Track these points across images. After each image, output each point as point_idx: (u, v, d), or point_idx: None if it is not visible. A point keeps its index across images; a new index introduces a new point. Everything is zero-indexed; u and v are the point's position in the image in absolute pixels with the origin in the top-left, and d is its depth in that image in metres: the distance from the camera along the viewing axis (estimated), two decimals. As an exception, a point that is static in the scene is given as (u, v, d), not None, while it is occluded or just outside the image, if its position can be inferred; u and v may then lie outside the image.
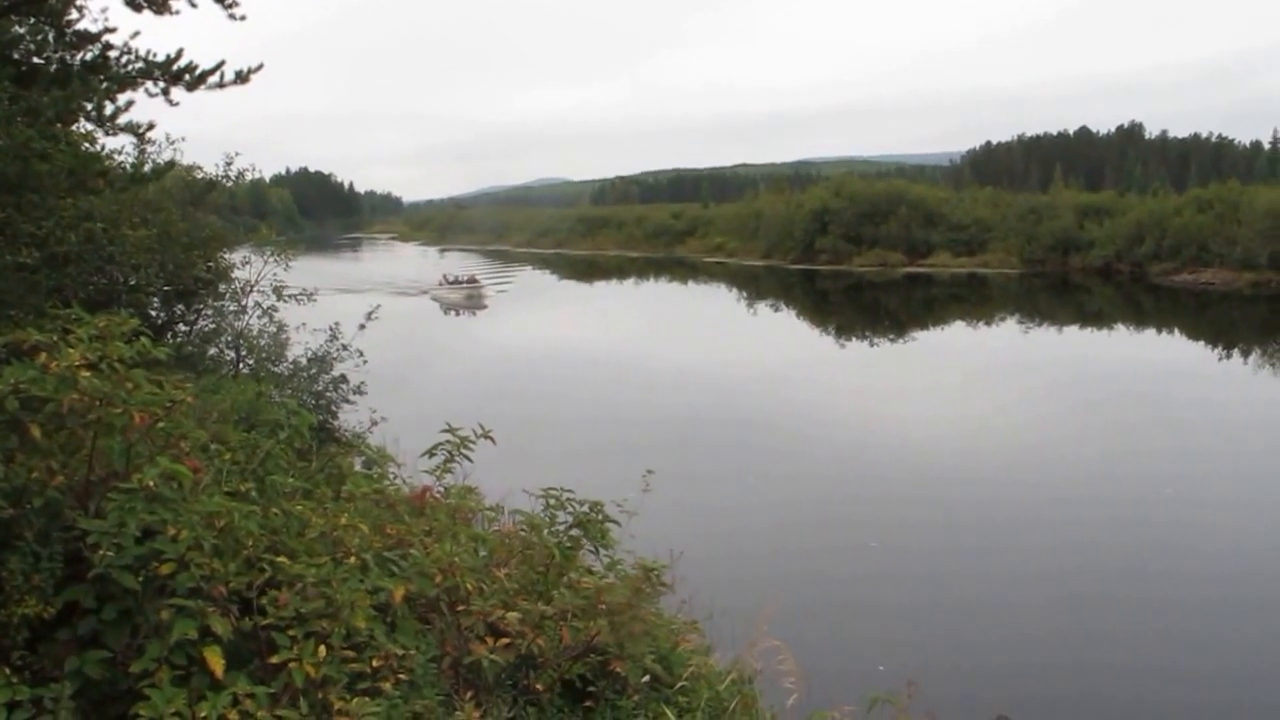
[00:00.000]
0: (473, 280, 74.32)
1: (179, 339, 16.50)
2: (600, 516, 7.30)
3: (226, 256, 18.14)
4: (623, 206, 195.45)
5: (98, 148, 12.89)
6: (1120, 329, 56.30)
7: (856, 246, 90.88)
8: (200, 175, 18.64)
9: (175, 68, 12.29)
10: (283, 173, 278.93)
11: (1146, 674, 14.12)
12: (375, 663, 5.25)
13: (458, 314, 67.39)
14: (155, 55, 12.40)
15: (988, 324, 58.62)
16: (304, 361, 16.57)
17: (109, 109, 12.48)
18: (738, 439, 28.36)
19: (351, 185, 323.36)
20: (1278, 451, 25.79)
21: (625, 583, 6.83)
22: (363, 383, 16.48)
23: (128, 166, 13.89)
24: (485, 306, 69.67)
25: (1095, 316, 62.02)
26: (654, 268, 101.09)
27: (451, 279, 75.41)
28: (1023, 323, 58.30)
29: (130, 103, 12.63)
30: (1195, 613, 15.82)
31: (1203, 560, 18.08)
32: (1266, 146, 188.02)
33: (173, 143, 17.32)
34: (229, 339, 17.10)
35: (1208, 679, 13.89)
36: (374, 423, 14.57)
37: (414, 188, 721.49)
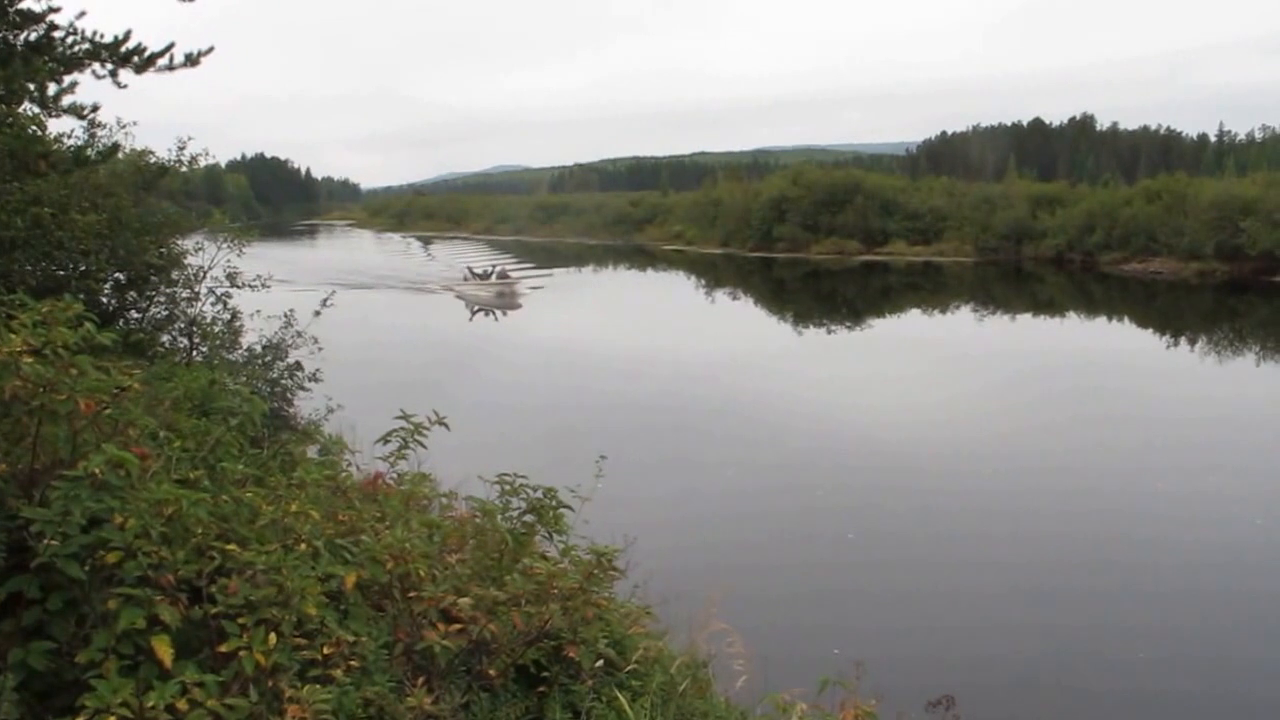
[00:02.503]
0: (504, 275, 66.16)
1: (131, 326, 16.31)
2: (554, 502, 7.27)
3: (180, 243, 17.91)
4: (581, 194, 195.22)
5: (47, 132, 12.72)
6: (1072, 317, 56.89)
7: (814, 235, 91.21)
8: (153, 160, 18.39)
9: (123, 49, 12.11)
10: (238, 158, 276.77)
11: (1093, 661, 14.24)
12: (326, 650, 5.22)
13: (487, 313, 58.65)
14: (102, 36, 12.21)
15: (943, 312, 59.00)
16: (259, 349, 16.42)
17: (52, 90, 12.27)
18: (693, 426, 28.39)
19: (308, 171, 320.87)
20: (1230, 442, 26.01)
21: (578, 568, 6.83)
22: (318, 370, 16.36)
23: (71, 150, 13.69)
24: (519, 305, 60.84)
25: (1048, 305, 62.70)
26: (612, 255, 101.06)
27: (479, 273, 67.46)
28: (977, 311, 58.75)
29: (75, 84, 12.43)
30: (1147, 603, 15.98)
31: (1156, 550, 18.23)
32: (1213, 139, 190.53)
33: (124, 126, 17.13)
34: (182, 326, 16.93)
35: (1156, 667, 14.04)
36: (330, 410, 14.46)
37: (372, 174, 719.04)
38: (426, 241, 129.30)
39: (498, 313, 58.26)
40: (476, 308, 59.98)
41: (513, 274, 67.10)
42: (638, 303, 65.75)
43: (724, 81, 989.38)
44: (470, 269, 69.60)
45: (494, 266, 69.00)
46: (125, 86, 12.37)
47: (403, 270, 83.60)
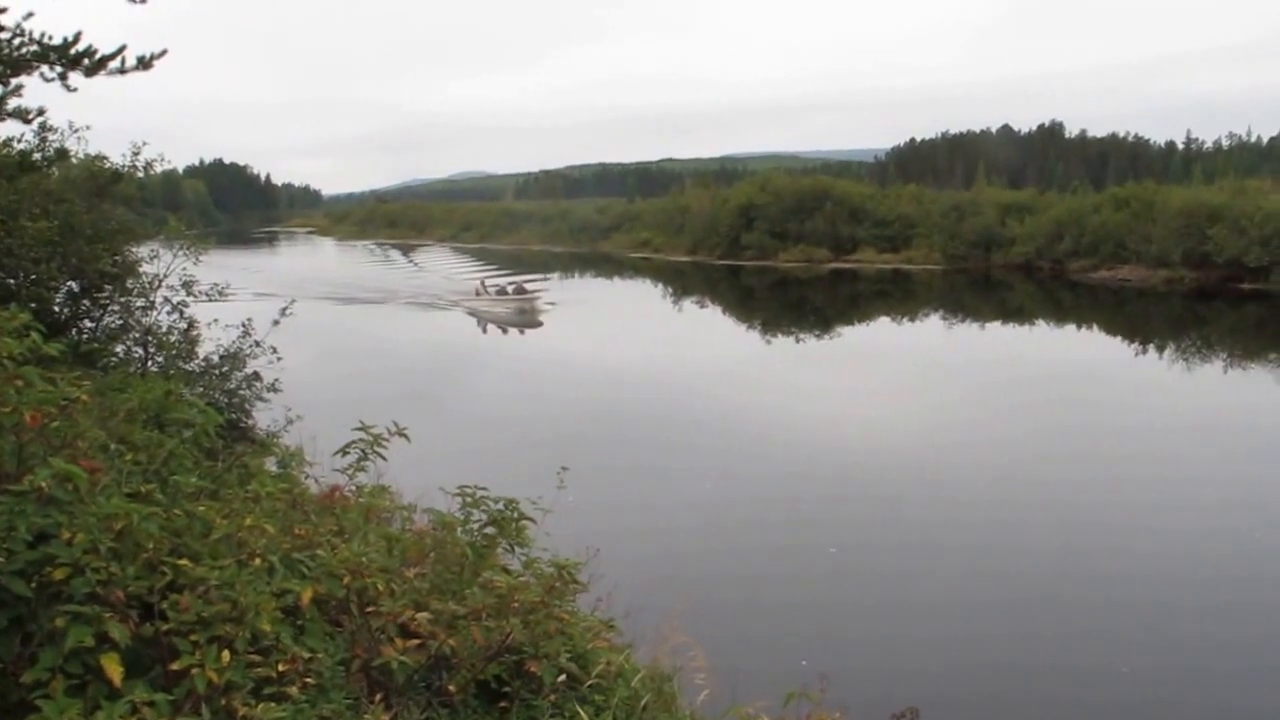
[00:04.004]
0: (521, 290, 59.58)
1: (84, 335, 16.09)
2: (516, 514, 7.16)
3: (135, 250, 17.66)
4: (547, 201, 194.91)
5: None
6: (1041, 325, 57.19)
7: (782, 242, 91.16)
8: (107, 165, 18.09)
9: (73, 52, 11.92)
10: (197, 164, 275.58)
11: (1059, 673, 14.26)
12: (282, 667, 5.12)
13: (505, 331, 54.09)
14: (50, 38, 12.00)
15: (913, 320, 59.21)
16: (216, 359, 16.23)
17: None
18: (659, 437, 28.35)
19: (268, 177, 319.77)
20: (1199, 456, 26.09)
21: (540, 581, 6.75)
22: (276, 380, 16.18)
23: (17, 155, 13.47)
24: (540, 324, 55.55)
25: (1017, 312, 63.00)
26: (579, 263, 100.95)
27: (495, 289, 61.47)
28: (947, 319, 58.91)
29: (20, 87, 12.22)
30: (1117, 614, 15.98)
31: (1126, 561, 18.24)
32: (1180, 147, 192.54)
33: (76, 131, 16.90)
34: (137, 335, 16.67)
35: (1125, 678, 14.06)
36: (289, 421, 14.30)
37: (334, 180, 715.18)
38: (406, 250, 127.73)
39: (513, 331, 53.96)
40: (489, 325, 56.11)
41: (530, 288, 61.26)
42: (606, 313, 65.58)
43: (692, 87, 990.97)
44: (483, 283, 64.40)
45: (511, 284, 62.59)
46: (75, 90, 12.20)
47: (392, 282, 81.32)
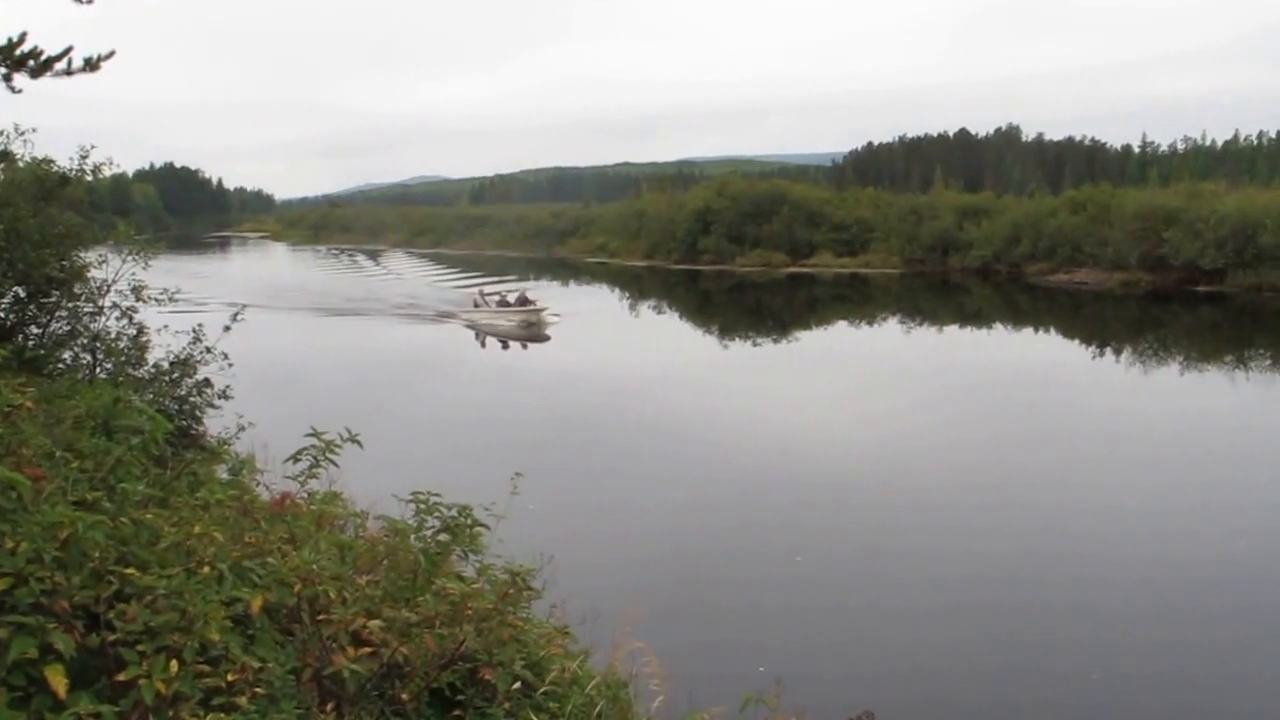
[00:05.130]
0: (524, 300, 54.82)
1: (30, 341, 15.85)
2: (469, 521, 7.09)
3: (83, 255, 17.40)
4: (503, 205, 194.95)
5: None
6: (999, 328, 57.64)
7: (739, 247, 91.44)
8: (54, 168, 17.78)
9: (18, 53, 11.74)
10: (147, 168, 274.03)
11: (1014, 676, 14.33)
12: (231, 677, 5.01)
13: (505, 346, 49.90)
14: (-8, 39, 11.83)
15: (870, 324, 59.48)
16: (166, 365, 16.02)
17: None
18: (618, 442, 28.37)
19: (220, 181, 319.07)
20: (1154, 461, 26.29)
21: (494, 588, 6.69)
22: (228, 386, 16.00)
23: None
24: (547, 337, 51.89)
25: (975, 316, 63.39)
26: (535, 268, 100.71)
27: (495, 299, 56.87)
28: (905, 323, 59.18)
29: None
30: (1072, 618, 16.05)
31: (1078, 566, 18.30)
32: (1137, 150, 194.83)
33: (22, 133, 16.65)
34: (85, 341, 16.42)
35: (1080, 681, 14.13)
36: (241, 428, 14.14)
37: (287, 184, 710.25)
38: (375, 255, 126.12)
39: (516, 345, 49.75)
40: (488, 338, 51.94)
41: (533, 297, 56.80)
42: (564, 318, 65.40)
43: (648, 90, 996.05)
44: (482, 293, 59.05)
45: (512, 293, 57.63)
46: (20, 91, 12.02)
47: (375, 290, 77.29)
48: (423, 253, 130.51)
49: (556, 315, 55.99)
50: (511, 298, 55.73)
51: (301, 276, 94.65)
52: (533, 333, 51.52)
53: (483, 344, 51.26)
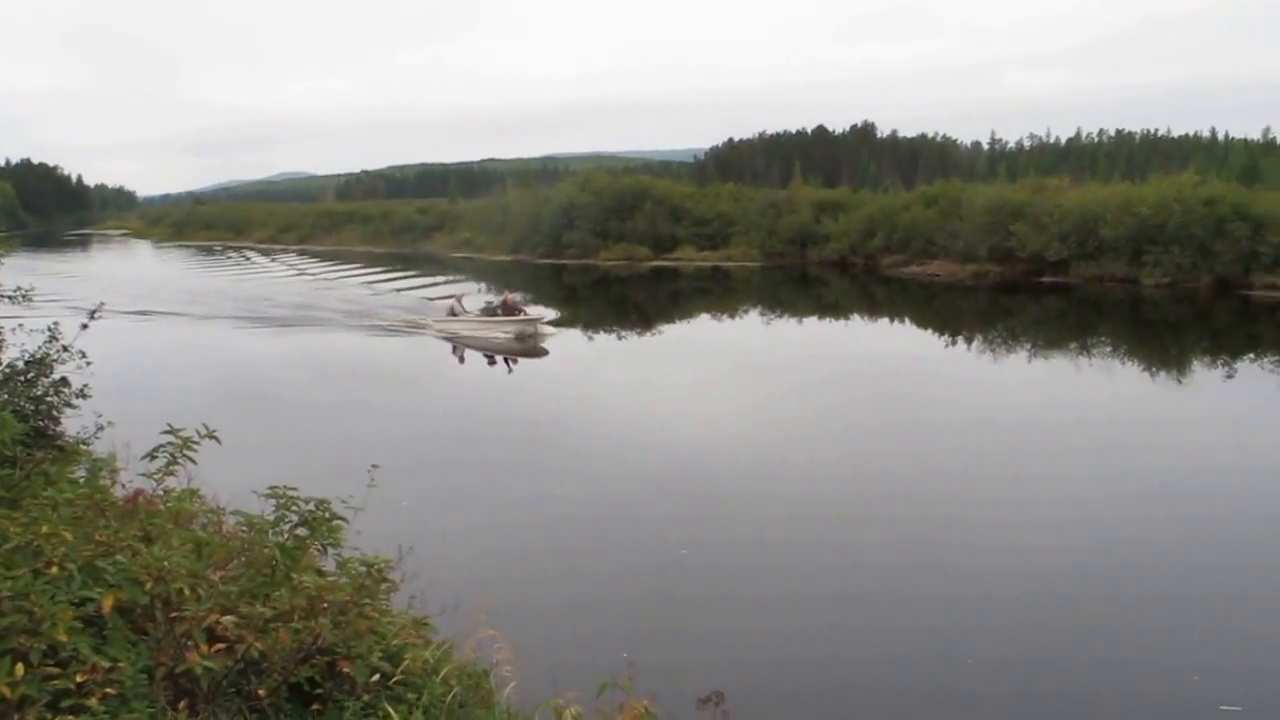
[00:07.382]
0: (514, 308, 47.94)
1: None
2: (327, 514, 7.06)
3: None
4: (369, 201, 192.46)
5: None
6: (856, 319, 58.82)
7: (603, 241, 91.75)
8: None
9: None
10: (3, 165, 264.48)
11: (865, 660, 14.65)
12: (80, 678, 4.99)
13: (491, 361, 42.72)
14: None
15: (732, 316, 60.10)
16: (20, 364, 15.55)
17: None
18: (478, 434, 28.33)
19: (80, 178, 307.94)
20: (1009, 450, 26.94)
21: (350, 581, 6.70)
22: (86, 385, 15.61)
23: None
24: (545, 351, 44.84)
25: (833, 307, 64.64)
26: (401, 263, 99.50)
27: (480, 307, 49.90)
28: (765, 315, 59.97)
29: None
30: (942, 606, 16.32)
31: (948, 553, 18.65)
32: (986, 147, 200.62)
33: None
34: (-68, 343, 15.86)
35: (924, 663, 14.51)
36: (100, 428, 13.81)
37: (149, 182, 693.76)
38: (268, 253, 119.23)
39: (509, 360, 42.13)
40: (467, 352, 44.65)
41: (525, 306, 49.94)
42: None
43: (513, 87, 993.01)
44: (460, 300, 50.70)
45: (498, 300, 50.22)
46: None
47: (299, 293, 69.09)
48: (286, 249, 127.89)
49: (554, 326, 50.47)
50: (498, 306, 48.77)
51: (197, 279, 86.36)
52: (528, 346, 45.02)
53: (461, 360, 44.01)
